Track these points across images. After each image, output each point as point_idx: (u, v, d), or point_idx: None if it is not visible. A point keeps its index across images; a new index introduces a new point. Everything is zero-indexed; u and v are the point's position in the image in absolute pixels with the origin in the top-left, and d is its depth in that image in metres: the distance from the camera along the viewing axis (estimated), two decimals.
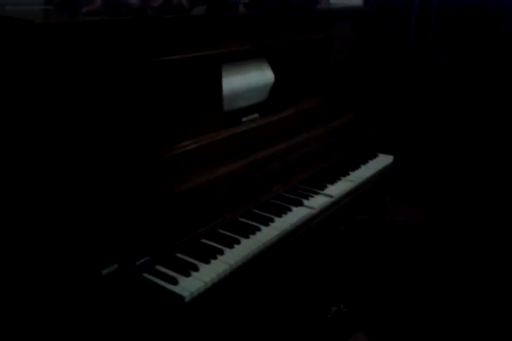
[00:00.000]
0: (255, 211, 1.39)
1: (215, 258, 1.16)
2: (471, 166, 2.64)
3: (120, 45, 1.04)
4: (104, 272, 0.95)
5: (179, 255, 1.16)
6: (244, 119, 1.50)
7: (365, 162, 1.83)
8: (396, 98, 2.63)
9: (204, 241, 1.23)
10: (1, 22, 0.97)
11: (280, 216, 1.37)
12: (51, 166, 0.99)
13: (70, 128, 0.99)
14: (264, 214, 1.38)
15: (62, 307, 1.03)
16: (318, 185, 1.58)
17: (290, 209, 1.42)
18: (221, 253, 1.18)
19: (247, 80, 1.49)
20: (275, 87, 1.60)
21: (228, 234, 1.26)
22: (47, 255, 1.03)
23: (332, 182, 1.62)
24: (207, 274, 1.10)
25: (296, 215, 1.40)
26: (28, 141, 1.01)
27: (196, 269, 1.10)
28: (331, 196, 1.54)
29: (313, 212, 1.45)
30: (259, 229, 1.30)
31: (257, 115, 1.54)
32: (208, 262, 1.14)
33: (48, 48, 0.91)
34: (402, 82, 2.60)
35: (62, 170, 1.00)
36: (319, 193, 1.54)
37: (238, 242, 1.23)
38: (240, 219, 1.34)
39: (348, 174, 1.71)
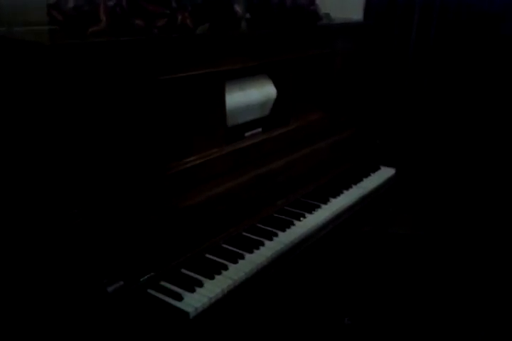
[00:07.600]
0: (259, 225, 1.40)
1: (219, 273, 1.16)
2: (471, 179, 2.64)
3: (127, 64, 1.06)
4: (110, 289, 0.96)
5: (184, 270, 1.16)
6: (247, 134, 1.51)
7: (367, 175, 1.84)
8: (398, 111, 2.65)
9: (208, 256, 1.23)
10: (12, 44, 1.00)
11: (284, 230, 1.38)
12: (60, 180, 1.01)
13: (80, 144, 1.01)
14: (268, 228, 1.38)
15: (69, 323, 1.03)
16: (321, 199, 1.59)
17: (293, 224, 1.42)
18: (225, 268, 1.18)
19: (249, 96, 1.50)
20: (278, 102, 1.62)
21: (232, 249, 1.27)
22: (54, 272, 1.04)
23: (335, 196, 1.63)
24: (211, 290, 1.11)
25: (299, 229, 1.41)
26: (40, 156, 1.03)
27: (201, 285, 1.11)
28: (334, 209, 1.54)
29: (317, 225, 1.46)
30: (262, 244, 1.30)
31: (260, 130, 1.56)
32: (212, 278, 1.14)
33: (57, 69, 0.93)
34: (403, 95, 2.61)
35: (71, 185, 1.02)
36: (322, 207, 1.55)
37: (242, 257, 1.24)
38: (243, 233, 1.35)
39: (351, 187, 1.72)
